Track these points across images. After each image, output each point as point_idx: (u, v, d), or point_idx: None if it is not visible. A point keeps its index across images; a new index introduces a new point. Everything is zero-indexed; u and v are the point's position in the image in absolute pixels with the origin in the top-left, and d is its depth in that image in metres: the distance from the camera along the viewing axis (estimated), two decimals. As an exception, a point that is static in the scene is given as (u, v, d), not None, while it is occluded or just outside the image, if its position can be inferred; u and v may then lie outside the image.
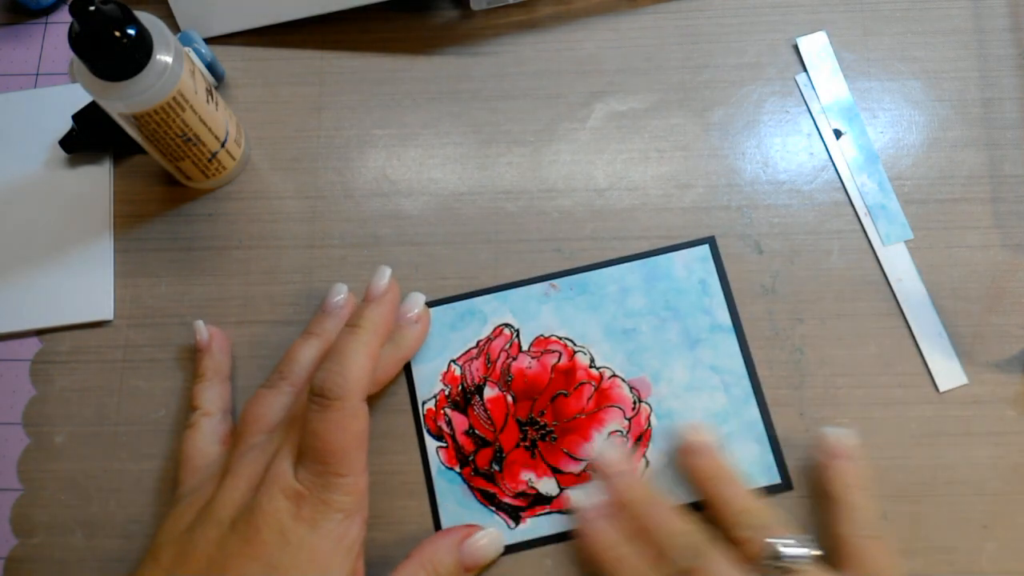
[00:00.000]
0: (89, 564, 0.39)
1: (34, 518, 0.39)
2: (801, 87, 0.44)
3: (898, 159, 0.43)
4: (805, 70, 0.44)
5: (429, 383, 0.40)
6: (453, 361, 0.40)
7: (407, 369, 0.40)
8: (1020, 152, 0.43)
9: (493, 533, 0.37)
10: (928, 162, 0.43)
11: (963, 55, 0.44)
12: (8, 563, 0.39)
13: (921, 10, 0.45)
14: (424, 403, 0.40)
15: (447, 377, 0.40)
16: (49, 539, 0.39)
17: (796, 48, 0.45)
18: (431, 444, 0.39)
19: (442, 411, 0.40)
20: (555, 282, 0.41)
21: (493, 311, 0.41)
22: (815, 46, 0.44)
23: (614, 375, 0.40)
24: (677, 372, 0.40)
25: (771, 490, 0.38)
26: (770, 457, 0.38)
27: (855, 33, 0.45)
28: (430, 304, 0.41)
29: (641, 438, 0.39)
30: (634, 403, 0.39)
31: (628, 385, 0.40)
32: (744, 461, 0.38)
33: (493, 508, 0.38)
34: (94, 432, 0.40)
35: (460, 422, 0.40)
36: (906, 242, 0.41)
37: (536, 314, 0.41)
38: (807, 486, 0.38)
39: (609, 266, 0.41)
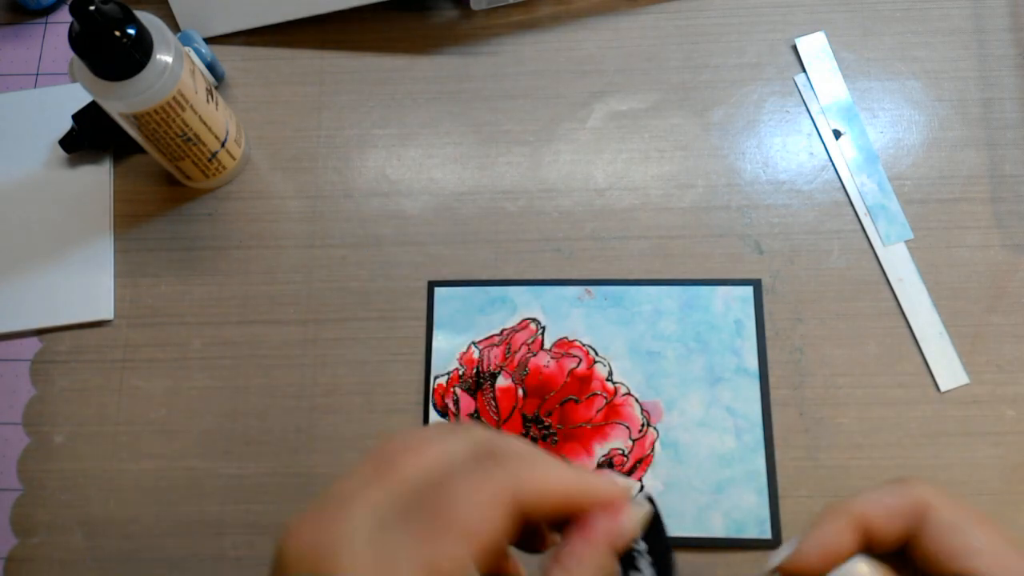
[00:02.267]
0: (89, 564, 0.39)
1: (34, 518, 0.39)
2: (800, 88, 0.44)
3: (898, 159, 0.43)
4: (804, 70, 0.44)
5: (445, 359, 0.40)
6: (474, 343, 0.41)
7: (427, 338, 0.41)
8: (1020, 152, 0.43)
9: (640, 506, 0.24)
10: (928, 162, 0.43)
11: (963, 55, 0.44)
12: (8, 563, 0.39)
13: (921, 10, 0.45)
14: (436, 378, 0.40)
15: (464, 358, 0.40)
16: (49, 539, 0.39)
17: (796, 48, 0.45)
18: (434, 418, 0.40)
19: (452, 389, 0.40)
20: (590, 288, 0.41)
21: (524, 304, 0.41)
22: (814, 47, 0.44)
23: (628, 393, 0.40)
24: (692, 405, 0.39)
25: (758, 544, 0.37)
26: (766, 511, 0.38)
27: (855, 33, 0.45)
28: (463, 284, 0.42)
29: (641, 462, 0.39)
30: (642, 425, 0.39)
31: (640, 406, 0.39)
32: (738, 509, 0.38)
33: None
34: (94, 432, 0.40)
35: (467, 403, 0.40)
36: (906, 242, 0.41)
37: (566, 316, 0.41)
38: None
39: (649, 285, 0.41)
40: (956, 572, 0.25)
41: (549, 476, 0.23)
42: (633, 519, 0.23)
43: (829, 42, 0.44)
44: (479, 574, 0.21)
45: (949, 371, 0.39)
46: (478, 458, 0.23)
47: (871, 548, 0.26)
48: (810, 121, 0.44)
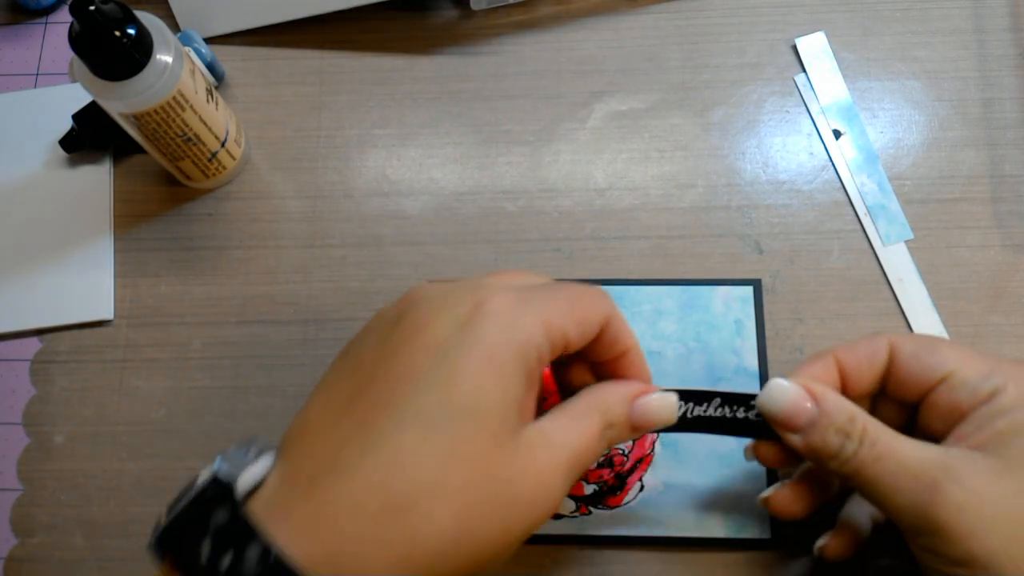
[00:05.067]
0: (89, 564, 0.39)
1: (34, 518, 0.39)
2: (800, 88, 0.44)
3: (898, 159, 0.43)
4: (804, 70, 0.44)
5: None
6: None
7: None
8: (1020, 152, 0.43)
9: (669, 398, 0.30)
10: (928, 162, 0.43)
11: (963, 55, 0.44)
12: (8, 563, 0.39)
13: (921, 10, 0.45)
14: None
15: None
16: (49, 539, 0.39)
17: (795, 48, 0.45)
18: None
19: None
20: None
21: None
22: (814, 47, 0.44)
23: None
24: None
25: (758, 544, 0.37)
26: (766, 511, 0.37)
27: (855, 33, 0.45)
28: None
29: (641, 461, 0.39)
30: None
31: None
32: (738, 509, 0.38)
33: None
34: (94, 432, 0.40)
35: None
36: (906, 242, 0.41)
37: None
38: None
39: (649, 285, 0.41)
40: (932, 385, 0.30)
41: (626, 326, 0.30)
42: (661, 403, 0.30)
43: (829, 42, 0.44)
44: (576, 343, 0.28)
45: None
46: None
47: (849, 390, 0.32)
48: (810, 121, 0.44)
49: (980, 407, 0.28)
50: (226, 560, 0.22)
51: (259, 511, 0.23)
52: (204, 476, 0.24)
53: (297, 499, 0.23)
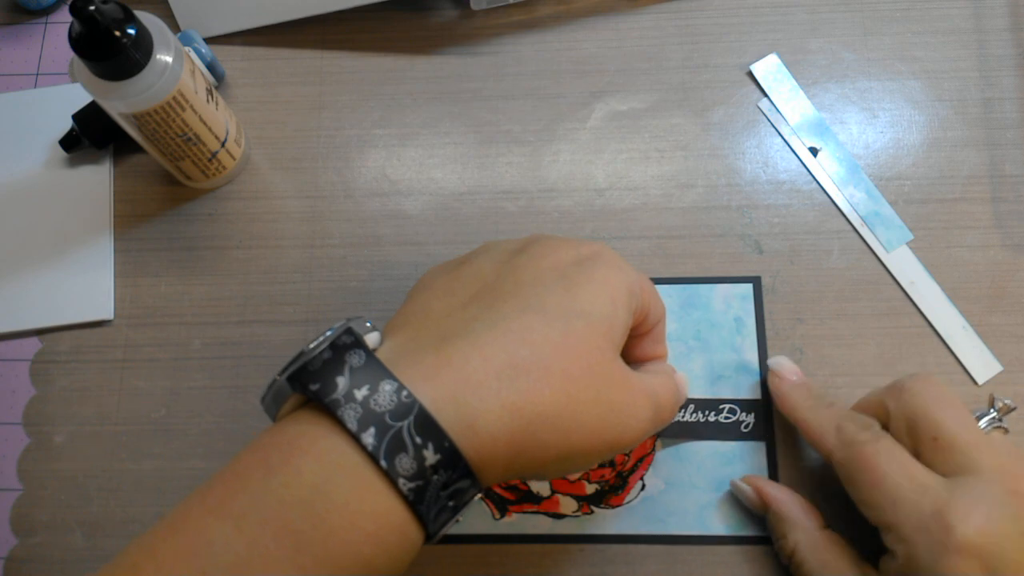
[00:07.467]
0: (89, 564, 0.39)
1: (34, 518, 0.39)
2: (765, 111, 0.44)
3: (898, 159, 0.43)
4: (766, 95, 0.44)
5: None
6: None
7: None
8: (1020, 152, 0.43)
9: (686, 375, 0.36)
10: (928, 162, 0.43)
11: (963, 55, 0.44)
12: (8, 563, 0.39)
13: (921, 10, 0.45)
14: None
15: None
16: (49, 539, 0.39)
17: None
18: None
19: None
20: None
21: None
22: (768, 70, 0.44)
23: None
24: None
25: (759, 541, 0.37)
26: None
27: (855, 33, 0.45)
28: None
29: (643, 460, 0.39)
30: None
31: None
32: (739, 507, 0.38)
33: (482, 495, 0.38)
34: (94, 432, 0.40)
35: None
36: (907, 243, 0.41)
37: None
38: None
39: None
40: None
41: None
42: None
43: (783, 61, 0.44)
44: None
45: (983, 363, 0.39)
46: None
47: None
48: (793, 136, 0.44)
49: (886, 557, 0.32)
50: (362, 392, 0.25)
51: (386, 361, 0.26)
52: (330, 332, 0.27)
53: (426, 353, 0.26)
